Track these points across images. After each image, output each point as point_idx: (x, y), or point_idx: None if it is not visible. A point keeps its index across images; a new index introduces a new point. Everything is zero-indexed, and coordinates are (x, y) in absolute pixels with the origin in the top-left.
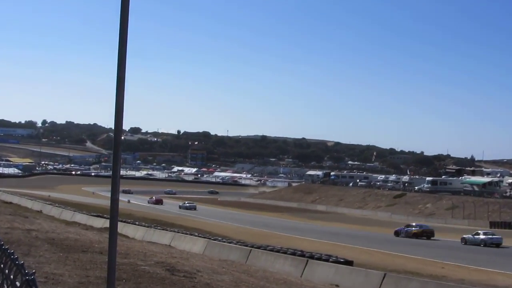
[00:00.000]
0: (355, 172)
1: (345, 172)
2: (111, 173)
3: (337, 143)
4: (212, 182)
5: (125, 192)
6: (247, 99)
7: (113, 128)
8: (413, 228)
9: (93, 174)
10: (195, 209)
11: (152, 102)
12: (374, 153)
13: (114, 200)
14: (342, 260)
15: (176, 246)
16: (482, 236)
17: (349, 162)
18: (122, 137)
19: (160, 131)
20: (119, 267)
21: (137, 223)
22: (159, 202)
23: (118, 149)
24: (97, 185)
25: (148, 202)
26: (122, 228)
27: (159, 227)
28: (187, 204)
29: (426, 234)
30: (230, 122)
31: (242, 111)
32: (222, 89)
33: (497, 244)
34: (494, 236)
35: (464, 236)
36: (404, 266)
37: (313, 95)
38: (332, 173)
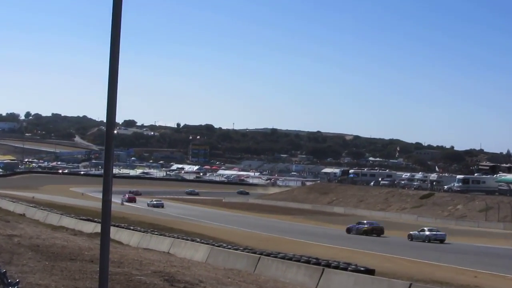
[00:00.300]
0: (376, 169)
1: (365, 169)
2: (102, 171)
3: (357, 137)
4: (216, 181)
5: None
6: (255, 87)
7: (105, 121)
8: (364, 226)
9: (82, 172)
10: (162, 206)
11: (148, 92)
12: (398, 148)
13: (106, 201)
14: (362, 268)
15: (175, 254)
16: (427, 233)
17: (370, 158)
18: (115, 131)
19: (157, 124)
20: (112, 277)
21: (132, 227)
22: (132, 200)
23: (110, 145)
24: (87, 185)
25: (122, 201)
26: (115, 233)
27: (156, 232)
28: (155, 202)
29: (376, 231)
30: (236, 114)
31: (250, 101)
32: (228, 77)
33: (441, 240)
34: (438, 233)
35: (410, 232)
36: (432, 275)
37: (329, 83)
38: (351, 171)
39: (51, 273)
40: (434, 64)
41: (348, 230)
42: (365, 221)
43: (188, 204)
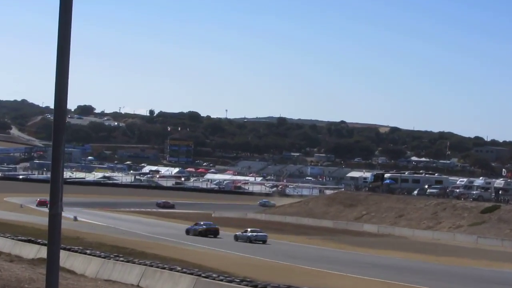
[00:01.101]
0: (422, 173)
1: (406, 173)
2: (49, 176)
3: (394, 129)
4: (202, 189)
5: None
6: (256, 64)
7: (52, 107)
8: (200, 227)
9: (21, 177)
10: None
11: (111, 68)
12: (448, 144)
13: (55, 216)
14: None
15: (147, 287)
16: (249, 234)
17: (413, 158)
18: (67, 120)
19: (123, 111)
20: None
21: (88, 251)
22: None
23: (60, 139)
24: (27, 194)
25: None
26: (66, 259)
27: (122, 258)
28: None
29: (211, 232)
30: (230, 99)
31: (249, 82)
32: (218, 49)
33: (263, 241)
34: (259, 234)
35: (236, 233)
36: None
37: (356, 60)
38: (386, 175)
39: None
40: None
41: (187, 232)
42: (202, 222)
43: (165, 220)
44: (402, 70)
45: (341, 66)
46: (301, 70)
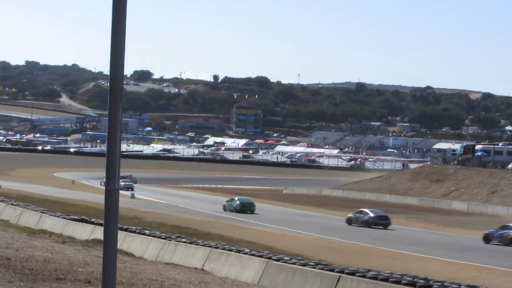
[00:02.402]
0: None
1: (500, 144)
2: (103, 148)
3: (487, 95)
4: (272, 163)
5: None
6: (332, 24)
7: (105, 72)
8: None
9: (72, 150)
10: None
11: (171, 31)
12: None
13: (112, 193)
14: None
15: (212, 271)
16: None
17: (508, 127)
18: (124, 87)
19: (184, 77)
20: None
21: (147, 232)
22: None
23: (116, 108)
24: (79, 169)
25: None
26: (122, 240)
27: (184, 239)
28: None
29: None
30: (303, 62)
31: (323, 44)
32: (288, 10)
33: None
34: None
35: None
36: None
37: (443, 19)
38: (478, 147)
39: None
40: None
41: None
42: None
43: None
44: (496, 29)
45: (425, 27)
46: (381, 30)
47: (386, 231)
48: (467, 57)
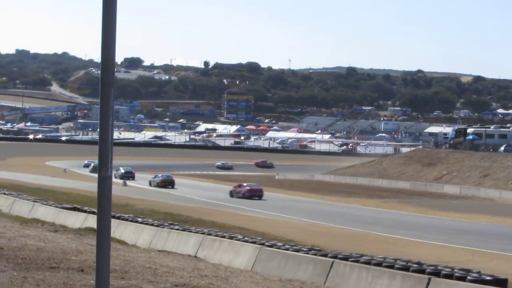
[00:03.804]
0: (509, 127)
1: (492, 127)
2: (94, 136)
3: (478, 78)
4: (264, 148)
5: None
6: (321, 8)
7: (96, 60)
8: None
9: (63, 138)
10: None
11: (160, 18)
12: None
13: (105, 179)
14: (488, 278)
15: (206, 258)
16: None
17: (499, 110)
18: (115, 75)
19: (174, 63)
20: None
21: (140, 219)
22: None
23: (108, 94)
24: (71, 157)
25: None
26: (115, 228)
27: (177, 226)
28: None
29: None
30: (294, 47)
31: (314, 29)
32: None
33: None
34: None
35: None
36: None
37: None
38: (469, 130)
39: None
40: None
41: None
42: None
43: (222, 184)
44: (486, 11)
45: (416, 11)
46: (371, 14)
47: (380, 215)
48: (458, 40)
